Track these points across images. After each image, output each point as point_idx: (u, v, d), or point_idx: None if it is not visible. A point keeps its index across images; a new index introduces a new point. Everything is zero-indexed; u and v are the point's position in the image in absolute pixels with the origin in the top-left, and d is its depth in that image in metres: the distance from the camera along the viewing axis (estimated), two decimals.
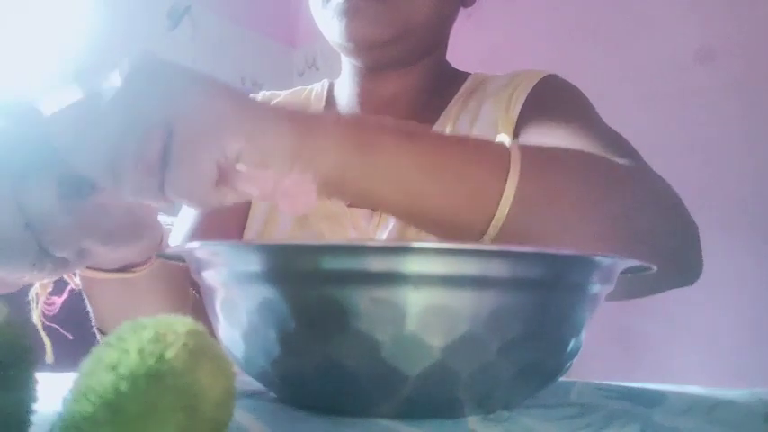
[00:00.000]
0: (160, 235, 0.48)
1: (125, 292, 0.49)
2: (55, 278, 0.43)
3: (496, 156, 0.41)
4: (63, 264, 0.35)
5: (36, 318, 0.46)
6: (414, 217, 0.42)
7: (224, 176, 0.31)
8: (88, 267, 0.46)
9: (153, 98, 0.31)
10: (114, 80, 0.32)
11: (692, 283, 0.51)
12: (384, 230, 0.64)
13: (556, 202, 0.41)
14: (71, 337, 0.48)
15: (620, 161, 0.47)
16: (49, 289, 0.46)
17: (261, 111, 0.35)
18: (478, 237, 0.40)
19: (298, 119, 0.36)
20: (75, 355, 0.47)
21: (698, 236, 0.49)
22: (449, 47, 0.75)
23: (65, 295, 0.47)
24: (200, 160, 0.31)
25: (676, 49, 1.51)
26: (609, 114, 0.61)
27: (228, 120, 0.32)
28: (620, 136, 0.57)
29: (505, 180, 0.39)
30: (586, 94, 0.66)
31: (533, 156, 0.42)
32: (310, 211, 0.34)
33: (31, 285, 0.46)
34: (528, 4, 1.74)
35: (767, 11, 1.42)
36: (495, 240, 0.40)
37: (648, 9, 1.56)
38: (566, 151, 0.46)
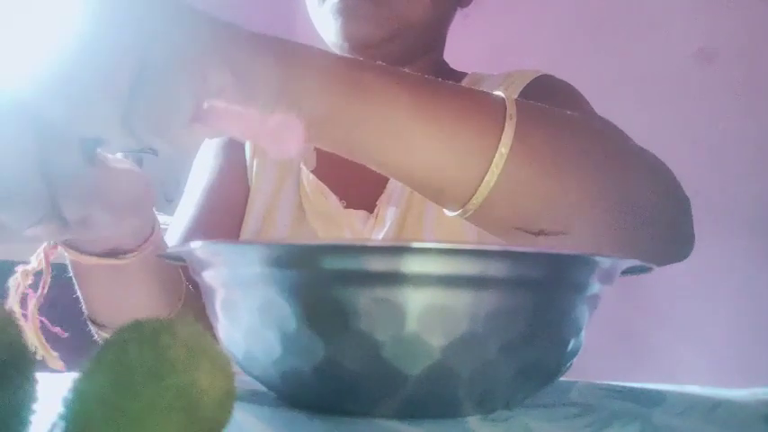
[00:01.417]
0: (153, 223, 0.47)
1: (114, 279, 0.49)
2: (56, 239, 0.42)
3: (493, 110, 0.38)
4: (66, 226, 0.33)
5: (14, 305, 0.45)
6: (399, 171, 0.39)
7: (201, 113, 0.28)
8: (78, 251, 0.45)
9: (129, 12, 0.28)
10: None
11: (685, 257, 0.51)
12: (380, 232, 0.64)
13: (552, 162, 0.40)
14: (52, 329, 0.47)
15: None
16: (30, 281, 0.46)
17: (250, 40, 0.32)
18: (467, 198, 0.38)
19: (285, 51, 0.33)
20: (55, 347, 0.47)
21: (690, 210, 0.48)
22: (449, 47, 0.75)
23: (42, 290, 0.46)
24: (177, 88, 0.27)
25: (677, 50, 1.51)
26: (609, 114, 0.61)
27: (215, 46, 0.29)
28: (617, 127, 0.57)
29: (500, 138, 0.37)
30: (586, 94, 0.66)
31: (530, 113, 0.40)
32: (297, 156, 0.31)
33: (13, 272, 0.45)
34: (528, 4, 1.74)
35: (767, 11, 1.42)
36: (484, 204, 0.38)
37: (649, 9, 1.56)
38: (565, 112, 0.44)
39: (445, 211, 0.41)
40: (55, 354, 0.46)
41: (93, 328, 0.53)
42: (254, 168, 0.73)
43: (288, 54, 0.34)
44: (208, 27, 0.30)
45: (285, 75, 0.32)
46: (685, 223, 0.48)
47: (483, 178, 0.37)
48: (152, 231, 0.47)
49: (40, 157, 0.29)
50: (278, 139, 0.29)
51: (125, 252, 0.46)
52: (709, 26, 1.48)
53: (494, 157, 0.37)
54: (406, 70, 0.40)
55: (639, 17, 1.57)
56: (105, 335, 0.53)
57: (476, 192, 0.38)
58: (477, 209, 0.38)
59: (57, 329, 0.47)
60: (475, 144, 0.37)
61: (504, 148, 0.37)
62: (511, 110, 0.38)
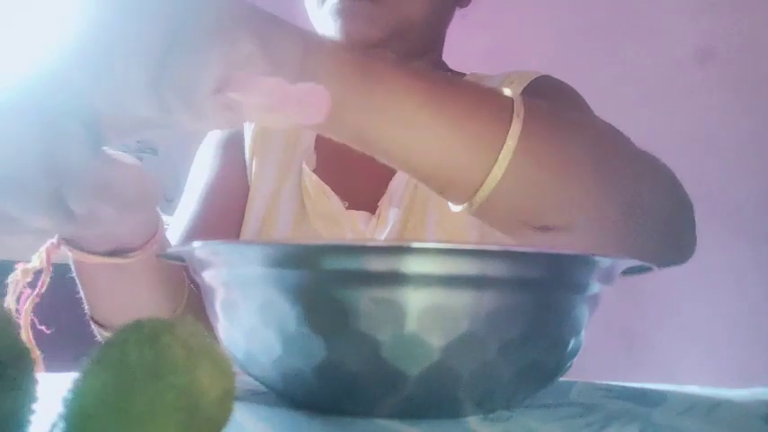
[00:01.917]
0: (157, 223, 0.47)
1: (117, 278, 0.48)
2: (61, 232, 0.42)
3: (501, 107, 0.39)
4: (72, 219, 0.33)
5: (10, 303, 0.45)
6: (408, 161, 0.39)
7: (227, 82, 0.28)
8: (81, 249, 0.45)
9: None
10: None
11: (686, 260, 0.51)
12: (382, 233, 0.64)
13: (557, 161, 0.40)
14: (47, 331, 0.47)
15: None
16: (29, 278, 0.46)
17: (275, 18, 0.33)
18: (472, 192, 0.39)
19: (304, 34, 0.34)
20: (50, 347, 0.47)
21: (693, 213, 0.49)
22: (449, 47, 0.75)
23: (40, 289, 0.46)
24: (207, 52, 0.27)
25: (676, 50, 1.51)
26: (609, 114, 0.61)
27: (243, 17, 0.30)
28: (617, 129, 0.57)
29: (507, 134, 0.37)
30: (586, 94, 0.66)
31: (538, 112, 0.40)
32: (323, 121, 0.31)
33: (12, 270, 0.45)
34: (528, 5, 1.74)
35: (767, 11, 1.42)
36: (489, 199, 0.38)
37: (649, 9, 1.56)
38: (571, 113, 0.45)
39: (450, 205, 0.42)
40: (39, 353, 0.46)
41: (95, 328, 0.53)
42: (254, 168, 0.73)
43: (307, 36, 0.34)
44: (237, 2, 0.31)
45: (305, 53, 0.33)
46: (688, 226, 0.48)
47: (490, 171, 0.37)
48: (156, 230, 0.47)
49: (46, 148, 0.29)
50: (304, 106, 0.29)
51: (129, 251, 0.46)
52: (708, 26, 1.48)
53: (501, 151, 0.37)
54: (418, 63, 0.40)
55: (639, 17, 1.57)
56: (107, 334, 0.53)
57: (482, 185, 0.38)
58: (483, 202, 0.39)
59: (43, 328, 0.46)
60: (483, 138, 0.38)
61: (511, 142, 0.37)
62: (519, 107, 0.39)
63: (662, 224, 0.45)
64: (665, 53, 1.52)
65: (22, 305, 0.45)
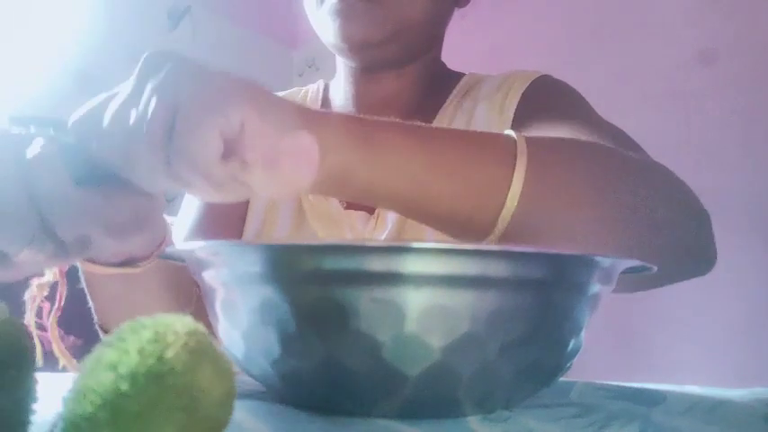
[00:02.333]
0: (164, 230, 0.47)
1: (127, 287, 0.49)
2: (55, 264, 0.42)
3: (503, 150, 0.40)
4: (64, 249, 0.34)
5: (30, 320, 0.45)
6: (418, 215, 0.41)
7: (230, 149, 0.31)
8: (90, 261, 0.45)
9: (161, 79, 0.31)
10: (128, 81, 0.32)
11: (706, 272, 0.51)
12: (382, 233, 0.64)
13: (567, 194, 0.40)
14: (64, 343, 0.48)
15: (629, 153, 0.47)
16: (45, 292, 0.46)
17: (266, 90, 0.34)
18: (485, 235, 0.40)
19: (302, 108, 0.36)
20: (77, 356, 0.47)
21: (710, 224, 0.48)
22: (449, 47, 0.75)
23: (59, 302, 0.47)
24: (203, 127, 0.30)
25: (677, 50, 1.51)
26: (609, 115, 0.61)
27: (233, 91, 0.32)
28: (622, 131, 0.57)
29: (512, 175, 0.38)
30: (587, 95, 0.66)
31: (540, 147, 0.41)
32: (322, 189, 0.35)
33: (27, 286, 0.46)
34: (528, 4, 1.74)
35: (767, 11, 1.42)
36: (503, 237, 0.39)
37: (649, 10, 1.56)
38: (574, 141, 0.45)
39: None
40: (75, 361, 0.46)
41: (103, 336, 0.53)
42: None
43: (305, 109, 0.36)
44: (230, 80, 0.33)
45: (304, 124, 0.34)
46: (706, 238, 0.48)
47: (499, 215, 0.39)
48: (163, 238, 0.47)
49: (25, 178, 0.31)
50: (295, 159, 0.30)
51: (138, 260, 0.46)
52: (709, 27, 1.48)
53: (508, 194, 0.38)
54: (418, 123, 0.41)
55: (640, 17, 1.58)
56: None
57: (494, 229, 0.39)
58: (496, 241, 0.40)
59: (72, 337, 0.47)
60: (489, 184, 0.39)
61: (517, 185, 0.38)
62: (521, 146, 0.40)
63: (681, 240, 0.44)
64: (666, 54, 1.53)
65: (45, 320, 0.46)
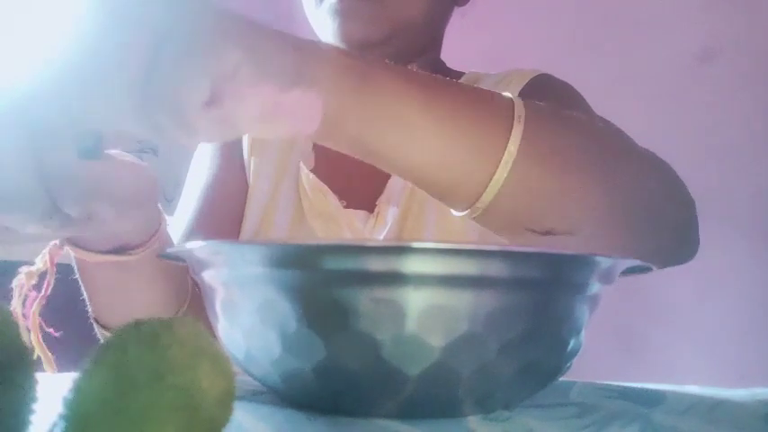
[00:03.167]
0: (159, 220, 0.47)
1: (120, 276, 0.48)
2: (60, 236, 0.41)
3: (502, 111, 0.38)
4: (70, 222, 0.32)
5: (16, 307, 0.45)
6: (407, 168, 0.39)
7: (217, 94, 0.27)
8: (83, 248, 0.44)
9: (140, 5, 0.27)
10: None
11: (688, 260, 0.51)
12: (381, 232, 0.64)
13: (559, 165, 0.40)
14: (55, 334, 0.47)
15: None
16: (34, 281, 0.45)
17: (262, 26, 0.32)
18: (474, 198, 0.38)
19: (300, 42, 0.34)
20: (56, 350, 0.46)
21: (695, 213, 0.48)
22: (449, 46, 0.75)
23: (45, 291, 0.46)
24: (191, 67, 0.27)
25: (678, 50, 1.51)
26: (609, 114, 0.61)
27: (228, 28, 0.29)
28: (618, 127, 0.57)
29: (509, 137, 0.37)
30: (586, 94, 0.66)
31: (538, 114, 0.39)
32: (312, 134, 0.31)
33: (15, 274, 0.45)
34: (528, 4, 1.74)
35: (767, 11, 1.42)
36: (491, 204, 0.38)
37: (650, 9, 1.56)
38: (572, 114, 0.44)
39: (452, 211, 0.41)
40: (51, 356, 0.46)
41: (97, 329, 0.53)
42: (252, 167, 0.73)
43: (299, 44, 0.34)
44: (219, 14, 0.30)
45: (299, 62, 0.32)
46: (691, 225, 0.48)
47: (492, 177, 0.37)
48: (158, 227, 0.47)
49: (35, 156, 0.28)
50: (297, 115, 0.28)
51: (131, 248, 0.45)
52: (710, 26, 1.48)
53: (503, 156, 0.37)
54: (421, 71, 0.40)
55: (640, 17, 1.57)
56: (104, 335, 0.53)
57: (484, 191, 0.38)
58: (485, 208, 0.38)
59: (51, 330, 0.46)
60: (484, 143, 0.37)
61: (512, 147, 0.37)
62: (519, 110, 0.38)
63: (665, 223, 0.44)
64: (666, 53, 1.52)
65: (28, 308, 0.45)
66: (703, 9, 1.49)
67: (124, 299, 0.51)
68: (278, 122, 0.28)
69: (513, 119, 0.38)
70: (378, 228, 0.65)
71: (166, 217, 0.50)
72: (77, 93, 0.27)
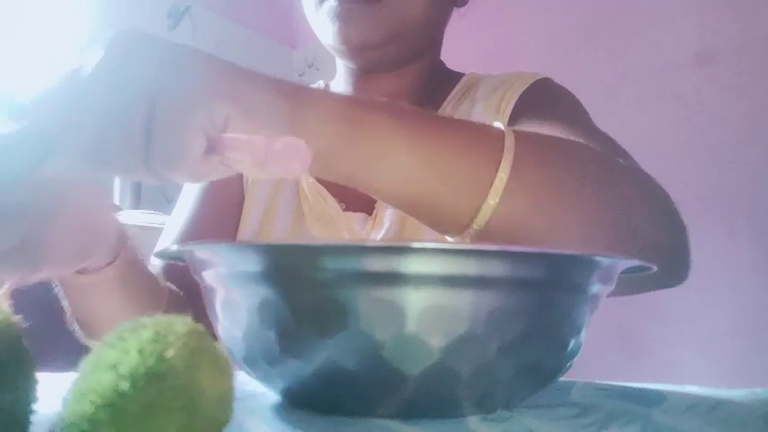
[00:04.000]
0: (118, 247, 0.47)
1: (87, 292, 0.49)
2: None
3: (491, 142, 0.39)
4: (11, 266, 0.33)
5: None
6: (400, 201, 0.40)
7: (213, 145, 0.30)
8: None
9: (133, 69, 0.29)
10: (93, 55, 0.30)
11: (680, 283, 0.51)
12: (378, 233, 0.64)
13: (549, 194, 0.40)
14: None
15: (619, 158, 0.47)
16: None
17: (249, 76, 0.33)
18: (463, 229, 0.39)
19: (288, 89, 0.35)
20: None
21: (687, 236, 0.48)
22: (449, 47, 0.75)
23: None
24: (185, 128, 0.29)
25: (676, 51, 1.51)
26: (609, 115, 0.62)
27: (214, 84, 0.31)
28: (612, 138, 0.57)
29: (495, 174, 0.38)
30: (586, 95, 0.66)
31: (528, 146, 0.40)
32: (303, 177, 0.33)
33: None
34: (528, 5, 1.74)
35: (767, 12, 1.42)
36: (483, 231, 0.39)
37: (648, 10, 1.56)
38: (563, 141, 0.45)
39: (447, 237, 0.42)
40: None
41: (77, 331, 0.53)
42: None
43: (289, 90, 0.35)
44: (208, 69, 0.31)
45: (290, 110, 0.33)
46: (683, 249, 0.48)
47: (480, 210, 0.38)
48: (116, 256, 0.47)
49: None
50: (284, 161, 0.30)
51: (91, 271, 0.46)
52: (708, 27, 1.48)
53: (491, 190, 0.38)
54: (405, 104, 0.41)
55: (639, 17, 1.57)
56: (86, 340, 0.53)
57: (472, 222, 0.38)
58: (475, 236, 0.39)
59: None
60: (472, 177, 0.38)
61: (499, 183, 0.38)
62: (509, 142, 0.39)
63: (657, 250, 0.44)
64: (666, 54, 1.52)
65: None
66: (703, 9, 1.49)
67: (89, 311, 0.51)
68: (269, 168, 0.30)
69: (503, 151, 0.38)
70: (376, 229, 0.65)
71: (166, 217, 0.50)
72: (96, 161, 0.30)
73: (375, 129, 0.37)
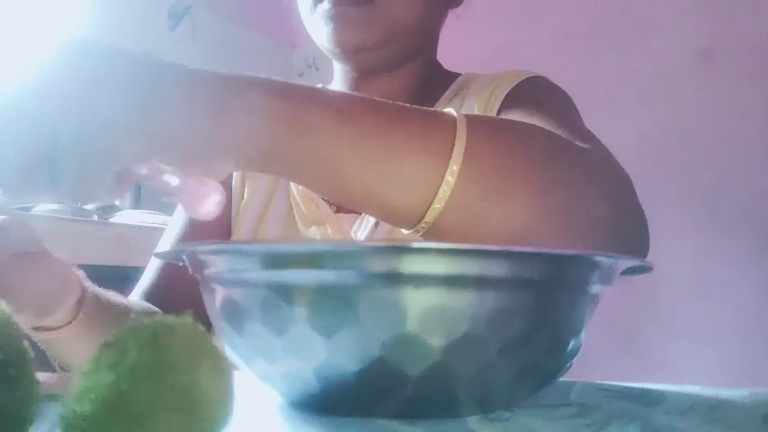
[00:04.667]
0: (72, 303, 0.48)
1: (49, 342, 0.49)
2: None
3: (443, 132, 0.38)
4: None
5: None
6: (347, 200, 0.39)
7: (122, 178, 0.29)
8: None
9: (48, 87, 0.29)
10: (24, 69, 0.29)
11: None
12: (365, 233, 0.64)
13: (501, 189, 0.39)
14: None
15: (578, 143, 0.45)
16: None
17: (171, 96, 0.31)
18: (413, 225, 0.38)
19: (217, 98, 0.33)
20: None
21: (647, 227, 0.47)
22: (450, 48, 0.75)
23: None
24: (90, 162, 0.28)
25: (677, 50, 1.51)
26: (609, 115, 0.61)
27: (127, 116, 0.29)
28: (596, 137, 0.55)
29: (447, 163, 0.36)
30: (586, 95, 0.65)
31: (481, 132, 0.38)
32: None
33: None
34: (529, 5, 1.74)
35: (767, 12, 1.42)
36: (435, 226, 0.38)
37: (650, 9, 1.56)
38: (519, 125, 0.43)
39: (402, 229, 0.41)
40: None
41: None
42: (246, 188, 0.73)
43: (222, 100, 0.33)
44: (122, 94, 0.30)
45: (217, 122, 0.33)
46: (641, 236, 0.47)
47: (431, 204, 0.37)
48: (75, 316, 0.48)
49: None
50: (197, 199, 0.30)
51: (54, 327, 0.47)
52: (710, 26, 1.48)
53: (441, 184, 0.37)
54: (359, 94, 0.39)
55: (640, 17, 1.57)
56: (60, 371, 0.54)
57: (423, 217, 0.37)
58: (427, 231, 0.38)
59: None
60: (419, 175, 0.37)
61: (450, 177, 0.36)
62: (461, 131, 0.38)
63: (614, 238, 0.43)
64: (667, 53, 1.52)
65: None
66: (703, 9, 1.49)
67: (59, 354, 0.52)
68: (182, 200, 0.29)
69: (455, 141, 0.37)
70: (366, 229, 0.65)
71: (166, 217, 0.50)
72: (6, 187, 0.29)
73: (315, 133, 0.35)
